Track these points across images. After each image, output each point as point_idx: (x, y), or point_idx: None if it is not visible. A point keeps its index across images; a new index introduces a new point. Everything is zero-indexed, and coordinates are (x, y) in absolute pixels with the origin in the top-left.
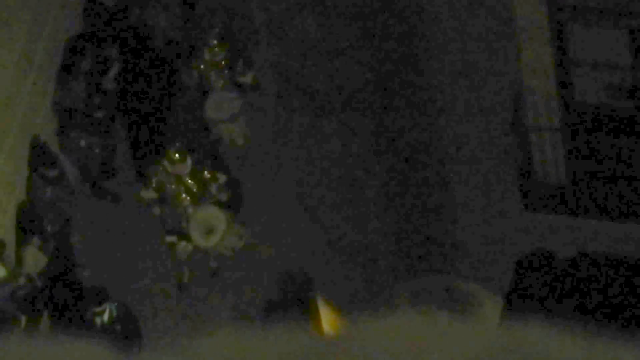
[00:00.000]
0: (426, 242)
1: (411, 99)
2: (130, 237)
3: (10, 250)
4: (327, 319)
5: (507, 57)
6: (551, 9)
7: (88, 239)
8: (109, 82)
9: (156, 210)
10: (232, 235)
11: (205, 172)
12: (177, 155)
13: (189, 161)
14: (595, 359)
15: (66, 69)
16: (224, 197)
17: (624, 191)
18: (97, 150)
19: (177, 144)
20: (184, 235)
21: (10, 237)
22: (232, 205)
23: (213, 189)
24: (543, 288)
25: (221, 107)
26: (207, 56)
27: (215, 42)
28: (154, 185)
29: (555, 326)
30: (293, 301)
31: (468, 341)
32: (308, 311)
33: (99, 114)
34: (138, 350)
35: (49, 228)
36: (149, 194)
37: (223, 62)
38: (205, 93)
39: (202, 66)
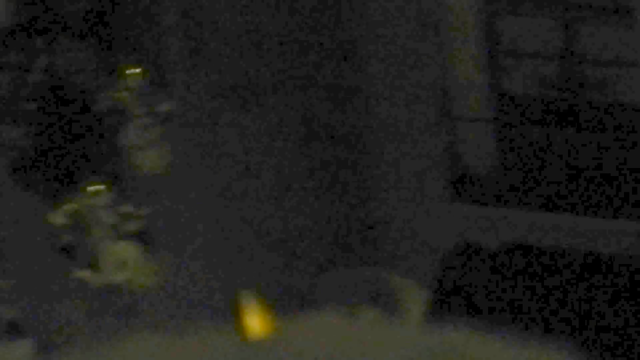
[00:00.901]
0: (352, 234)
1: (339, 89)
2: (41, 266)
3: None
4: (253, 319)
5: (437, 46)
6: None
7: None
8: (36, 74)
9: (65, 238)
10: (144, 271)
11: (122, 205)
12: (93, 185)
13: (104, 192)
14: None
15: None
16: (138, 230)
17: (553, 182)
18: (29, 142)
19: (94, 173)
20: (96, 268)
21: None
22: (146, 240)
23: (128, 222)
24: (470, 280)
25: (137, 137)
26: (124, 83)
27: (131, 69)
28: (65, 211)
29: (482, 327)
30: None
31: (393, 344)
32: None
33: (29, 106)
34: None
35: None
36: (58, 219)
37: (141, 89)
38: (122, 120)
39: (118, 93)
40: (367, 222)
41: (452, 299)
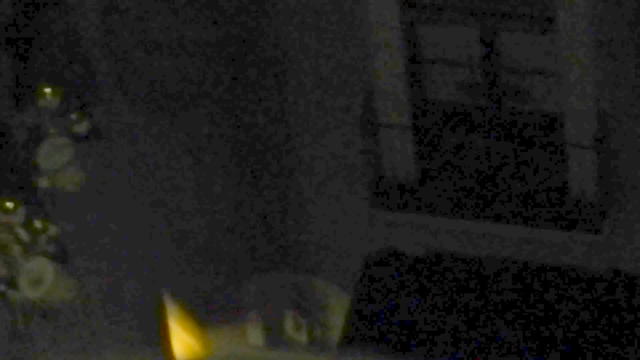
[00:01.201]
0: (276, 239)
1: (261, 94)
2: None
3: None
4: (180, 337)
5: (358, 54)
6: (402, 6)
7: None
8: None
9: None
10: (61, 288)
11: (36, 222)
12: (8, 203)
13: (20, 210)
14: None
15: None
16: (53, 248)
17: (474, 188)
18: None
19: (9, 192)
20: (14, 284)
21: None
22: (61, 257)
23: (43, 239)
24: (391, 286)
25: (53, 156)
26: (39, 102)
27: (48, 88)
28: None
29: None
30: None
31: None
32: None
33: None
34: None
35: None
36: None
37: (57, 109)
38: (38, 141)
39: (34, 113)
40: (290, 229)
41: (373, 306)
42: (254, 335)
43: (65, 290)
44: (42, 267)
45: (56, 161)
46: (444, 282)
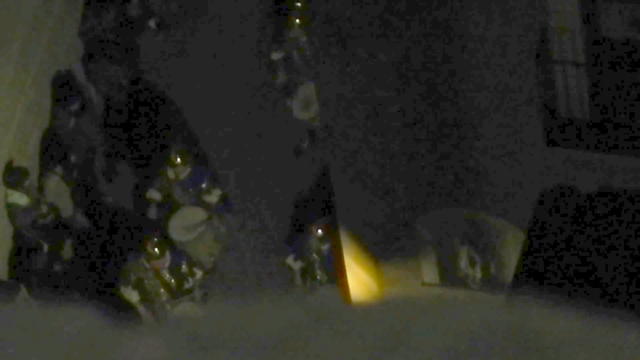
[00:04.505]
0: (448, 174)
1: (435, 29)
2: None
3: (33, 179)
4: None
5: None
6: None
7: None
8: (133, 9)
9: (142, 310)
10: None
11: (183, 267)
12: (155, 248)
13: (167, 255)
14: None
15: None
16: (199, 294)
17: None
18: (123, 81)
19: (155, 238)
20: None
21: (33, 165)
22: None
23: (190, 283)
24: (564, 224)
25: (186, 229)
26: (170, 174)
27: (178, 158)
28: (132, 282)
29: (563, 305)
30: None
31: (462, 318)
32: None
33: (127, 44)
34: None
35: (72, 158)
36: (130, 294)
37: (187, 179)
38: (170, 210)
39: (165, 183)
40: (465, 164)
41: (548, 240)
42: (429, 272)
43: None
44: (190, 312)
45: (189, 235)
46: (617, 221)
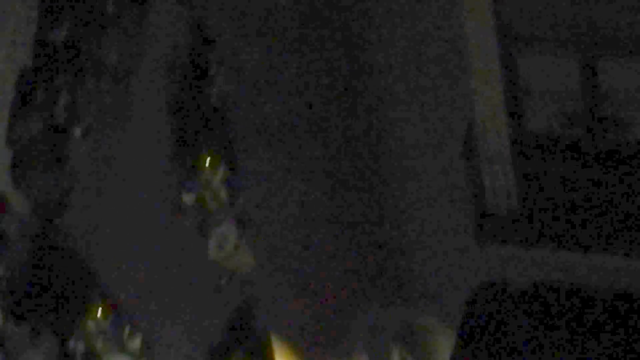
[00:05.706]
0: (380, 275)
1: (364, 129)
2: None
3: None
4: None
5: (458, 86)
6: (501, 38)
7: None
8: (59, 113)
9: None
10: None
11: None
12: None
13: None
14: None
15: (21, 103)
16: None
17: (576, 219)
18: (54, 188)
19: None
20: None
21: None
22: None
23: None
24: (496, 319)
25: (221, 247)
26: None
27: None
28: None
29: None
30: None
31: None
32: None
33: (56, 152)
34: None
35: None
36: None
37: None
38: (204, 220)
39: (200, 191)
40: (397, 264)
41: (479, 338)
42: None
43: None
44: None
45: (225, 252)
46: (549, 314)
